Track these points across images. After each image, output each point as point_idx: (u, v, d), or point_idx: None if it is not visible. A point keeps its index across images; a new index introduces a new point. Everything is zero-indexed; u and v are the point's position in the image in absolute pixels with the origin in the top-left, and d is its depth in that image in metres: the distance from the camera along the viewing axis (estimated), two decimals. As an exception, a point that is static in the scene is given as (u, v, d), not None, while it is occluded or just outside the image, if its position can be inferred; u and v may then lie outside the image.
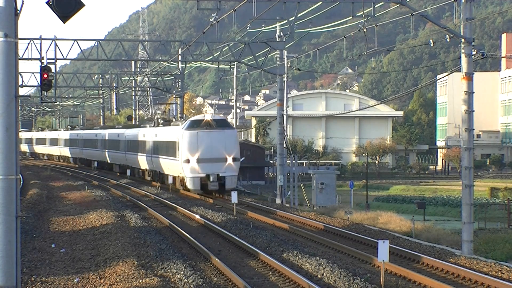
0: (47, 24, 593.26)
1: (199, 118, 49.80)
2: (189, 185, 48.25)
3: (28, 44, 54.23)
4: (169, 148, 52.09)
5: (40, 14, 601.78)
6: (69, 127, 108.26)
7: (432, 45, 31.79)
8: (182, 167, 48.46)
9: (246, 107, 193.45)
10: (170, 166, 52.43)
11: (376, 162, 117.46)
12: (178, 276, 21.18)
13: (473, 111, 28.27)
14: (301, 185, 60.93)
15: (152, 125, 62.12)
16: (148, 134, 59.66)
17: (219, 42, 52.40)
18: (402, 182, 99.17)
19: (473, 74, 28.52)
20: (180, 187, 51.59)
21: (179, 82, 69.54)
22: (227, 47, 56.06)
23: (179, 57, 62.82)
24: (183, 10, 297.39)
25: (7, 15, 13.84)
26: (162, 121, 59.60)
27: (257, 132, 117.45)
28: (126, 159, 69.00)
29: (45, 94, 68.15)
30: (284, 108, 58.11)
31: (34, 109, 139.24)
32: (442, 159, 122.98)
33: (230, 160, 47.82)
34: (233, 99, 77.63)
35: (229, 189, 47.04)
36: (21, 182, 56.25)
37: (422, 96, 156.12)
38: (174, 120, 59.59)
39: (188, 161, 47.89)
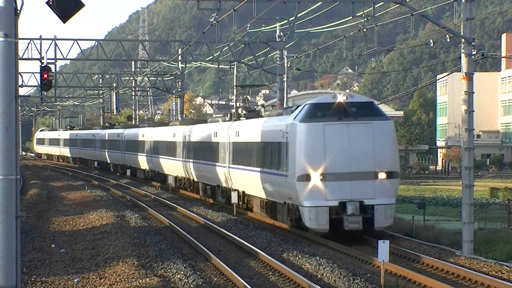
0: (47, 24, 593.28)
1: (326, 100, 29.60)
2: (307, 220, 28.13)
3: (28, 44, 54.25)
4: (266, 154, 32.64)
5: (40, 14, 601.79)
6: (107, 124, 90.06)
7: (432, 45, 31.80)
8: (295, 188, 28.57)
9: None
10: (269, 186, 32.35)
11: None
12: (178, 276, 21.20)
13: (473, 111, 28.25)
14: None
15: (228, 118, 42.17)
16: (222, 131, 40.52)
17: (219, 42, 52.38)
18: (402, 182, 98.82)
19: (473, 74, 28.50)
20: (287, 222, 31.03)
21: (179, 82, 69.55)
22: (227, 47, 56.06)
23: (179, 57, 62.81)
24: (183, 10, 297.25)
25: (7, 15, 13.85)
26: (244, 112, 39.59)
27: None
28: (188, 171, 48.96)
29: (45, 94, 68.18)
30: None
31: (34, 109, 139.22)
32: (442, 159, 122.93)
33: (382, 175, 28.88)
34: (233, 99, 77.58)
35: (380, 228, 28.96)
36: (21, 182, 56.25)
37: (422, 96, 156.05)
38: (264, 109, 39.27)
39: (306, 177, 28.19)
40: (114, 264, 22.90)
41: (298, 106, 30.53)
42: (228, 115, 42.68)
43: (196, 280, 20.43)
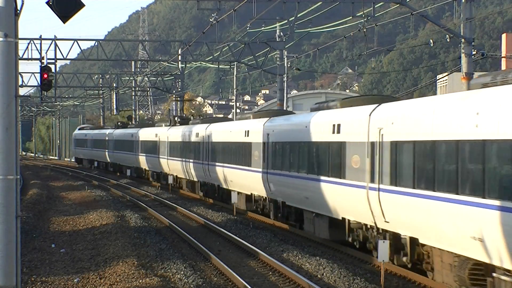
0: (47, 24, 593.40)
1: None
2: None
3: (28, 44, 54.30)
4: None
5: (40, 14, 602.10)
6: (178, 121, 56.81)
7: (432, 45, 31.85)
8: None
9: (246, 107, 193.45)
10: None
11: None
12: (178, 276, 21.20)
13: (473, 111, 28.21)
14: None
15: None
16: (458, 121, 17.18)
17: (219, 42, 52.40)
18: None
19: (473, 74, 28.51)
20: None
21: (179, 82, 69.56)
22: (227, 47, 56.07)
23: (179, 57, 62.83)
24: (183, 10, 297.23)
25: (7, 15, 13.83)
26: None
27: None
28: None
29: (45, 94, 68.22)
30: (284, 108, 58.12)
31: (34, 109, 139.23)
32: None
33: None
34: (233, 99, 77.60)
35: None
36: (21, 182, 56.28)
37: (422, 96, 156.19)
38: None
39: None
40: (114, 264, 22.89)
41: None
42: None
43: (196, 280, 20.44)
